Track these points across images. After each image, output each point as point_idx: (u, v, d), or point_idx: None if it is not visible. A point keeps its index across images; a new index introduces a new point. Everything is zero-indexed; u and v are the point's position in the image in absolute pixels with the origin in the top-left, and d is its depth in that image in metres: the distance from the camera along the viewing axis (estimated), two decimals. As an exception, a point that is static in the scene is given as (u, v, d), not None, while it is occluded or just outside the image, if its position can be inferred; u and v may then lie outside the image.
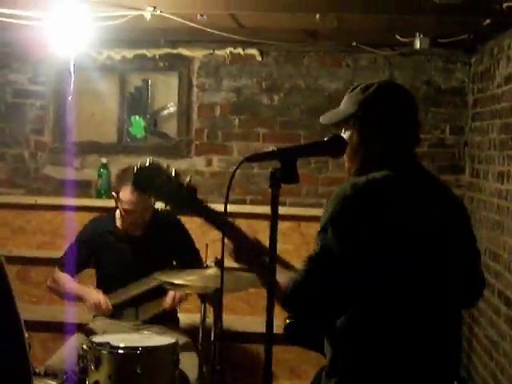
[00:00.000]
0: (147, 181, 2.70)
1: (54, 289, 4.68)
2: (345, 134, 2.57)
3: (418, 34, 4.90)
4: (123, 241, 4.61)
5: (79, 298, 4.60)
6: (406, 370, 2.41)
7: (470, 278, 2.67)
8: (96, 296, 4.46)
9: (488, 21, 4.35)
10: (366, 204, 2.38)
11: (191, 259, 4.55)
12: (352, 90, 2.63)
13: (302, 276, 2.37)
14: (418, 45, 4.94)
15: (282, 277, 2.40)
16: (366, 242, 2.34)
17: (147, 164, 2.71)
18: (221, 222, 2.62)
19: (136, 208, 4.47)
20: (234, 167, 2.27)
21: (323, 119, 2.68)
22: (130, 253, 4.58)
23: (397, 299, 2.41)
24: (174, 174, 2.69)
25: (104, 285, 4.58)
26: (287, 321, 2.66)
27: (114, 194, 4.57)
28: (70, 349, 4.28)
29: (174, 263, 4.57)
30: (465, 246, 2.62)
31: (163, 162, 5.60)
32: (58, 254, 4.80)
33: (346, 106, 2.62)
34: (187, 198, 2.68)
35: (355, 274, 2.36)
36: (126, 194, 4.43)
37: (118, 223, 4.63)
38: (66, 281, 4.59)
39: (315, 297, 2.39)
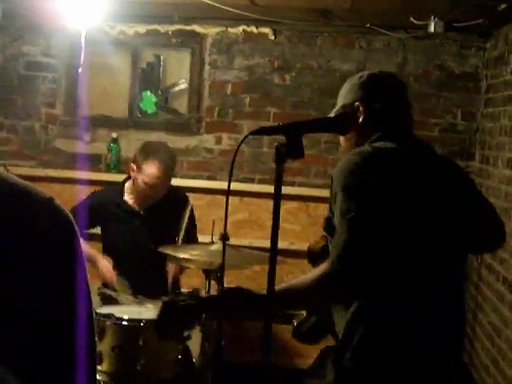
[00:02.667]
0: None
1: None
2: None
3: (432, 17, 4.87)
4: (129, 214, 4.60)
5: (90, 261, 4.59)
6: (418, 339, 2.50)
7: (485, 226, 2.74)
8: (106, 265, 4.48)
9: (503, 5, 4.33)
10: (374, 169, 2.47)
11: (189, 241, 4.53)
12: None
13: (349, 238, 2.38)
14: (432, 28, 4.91)
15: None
16: (379, 205, 2.43)
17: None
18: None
19: (158, 184, 4.45)
20: (240, 140, 2.29)
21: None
22: (136, 226, 4.58)
23: (406, 265, 2.48)
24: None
25: (108, 256, 4.59)
26: (295, 323, 2.70)
27: (133, 165, 4.54)
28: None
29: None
30: (468, 202, 2.69)
31: (173, 139, 5.61)
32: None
33: (349, 95, 2.74)
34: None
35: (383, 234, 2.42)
36: (153, 168, 4.40)
37: (127, 197, 4.61)
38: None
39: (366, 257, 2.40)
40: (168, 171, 4.45)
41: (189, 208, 4.67)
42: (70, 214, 1.34)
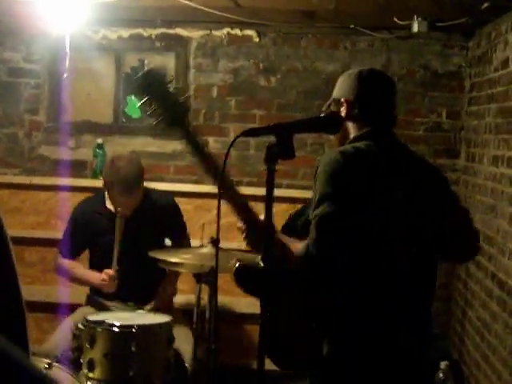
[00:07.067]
0: (147, 87, 2.70)
1: (60, 274, 4.68)
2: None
3: (416, 17, 4.88)
4: (113, 221, 4.54)
5: (85, 283, 4.59)
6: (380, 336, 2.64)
7: (459, 234, 2.79)
8: (99, 277, 4.43)
9: (486, 4, 4.35)
10: (354, 168, 2.61)
11: (179, 243, 4.49)
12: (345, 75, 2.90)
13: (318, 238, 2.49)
14: (415, 28, 4.92)
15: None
16: (355, 200, 2.57)
17: (150, 70, 2.69)
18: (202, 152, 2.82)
19: (124, 201, 4.40)
20: (231, 142, 2.29)
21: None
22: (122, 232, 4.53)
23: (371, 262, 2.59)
24: (174, 87, 2.74)
25: (96, 265, 4.54)
26: (237, 264, 2.72)
27: (103, 181, 4.51)
28: (64, 330, 4.24)
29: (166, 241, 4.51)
30: (440, 206, 2.77)
31: (159, 144, 5.61)
32: (53, 234, 4.75)
33: (339, 90, 2.86)
34: (180, 116, 2.72)
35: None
36: (115, 194, 4.39)
37: (108, 203, 4.57)
38: (68, 268, 4.59)
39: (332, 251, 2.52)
40: (128, 190, 4.36)
41: (175, 211, 4.65)
42: None
